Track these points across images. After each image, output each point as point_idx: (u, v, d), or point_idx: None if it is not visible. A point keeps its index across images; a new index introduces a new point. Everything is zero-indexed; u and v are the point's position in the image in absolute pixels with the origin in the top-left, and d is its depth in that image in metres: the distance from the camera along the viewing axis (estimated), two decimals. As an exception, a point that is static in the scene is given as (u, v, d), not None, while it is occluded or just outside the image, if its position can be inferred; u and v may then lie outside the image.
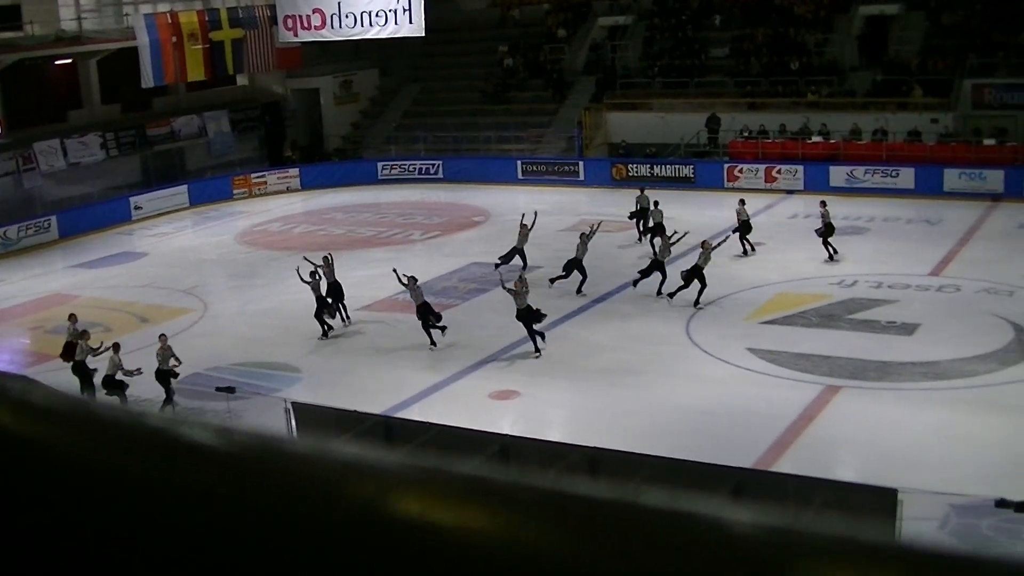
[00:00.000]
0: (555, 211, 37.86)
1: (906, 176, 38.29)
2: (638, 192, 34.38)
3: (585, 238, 28.26)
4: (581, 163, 44.22)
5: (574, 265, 27.62)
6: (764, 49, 46.35)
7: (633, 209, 33.71)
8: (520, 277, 24.65)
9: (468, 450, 15.49)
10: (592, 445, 16.18)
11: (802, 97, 43.81)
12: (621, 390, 20.91)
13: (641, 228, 33.25)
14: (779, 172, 39.88)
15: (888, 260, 29.57)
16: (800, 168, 39.80)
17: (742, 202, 32.25)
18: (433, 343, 23.87)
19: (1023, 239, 31.62)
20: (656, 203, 32.69)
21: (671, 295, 25.73)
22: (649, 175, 41.87)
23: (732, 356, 22.50)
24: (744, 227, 31.30)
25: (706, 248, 25.85)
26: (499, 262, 28.89)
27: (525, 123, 47.38)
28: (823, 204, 30.77)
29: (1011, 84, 40.10)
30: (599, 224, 30.05)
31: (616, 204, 37.20)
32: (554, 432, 19.25)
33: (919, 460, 17.25)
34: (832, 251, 29.79)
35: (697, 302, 25.43)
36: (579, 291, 27.37)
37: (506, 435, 18.07)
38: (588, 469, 15.28)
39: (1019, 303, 25.11)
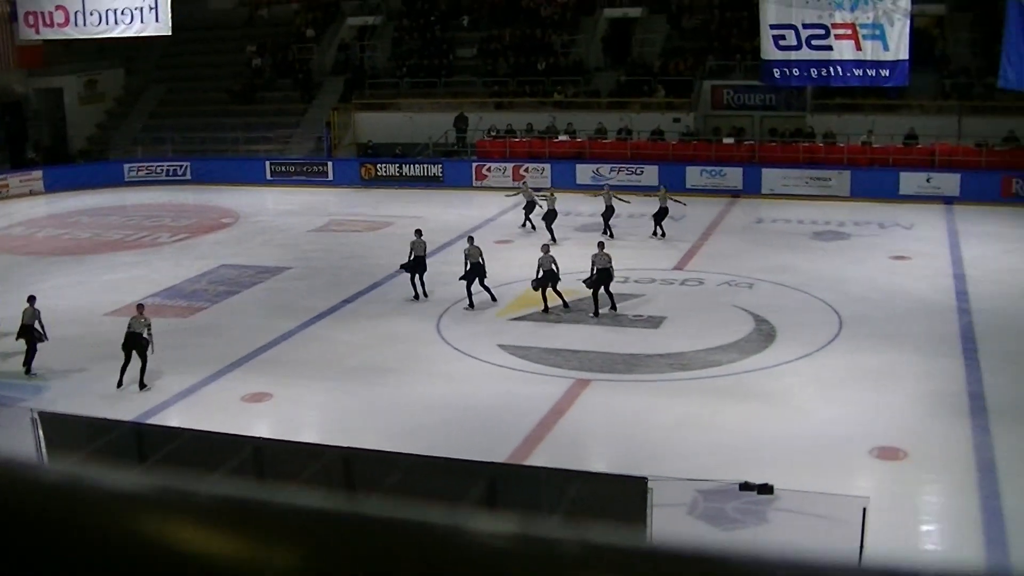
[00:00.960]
0: (304, 212, 37.52)
1: (650, 173, 39.30)
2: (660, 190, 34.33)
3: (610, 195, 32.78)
4: (330, 163, 43.92)
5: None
6: (511, 50, 46.91)
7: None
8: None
9: (221, 455, 15.09)
10: (346, 445, 15.99)
11: (549, 97, 44.53)
12: (374, 389, 20.75)
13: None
14: (527, 170, 40.37)
15: (634, 256, 30.23)
16: (547, 166, 40.43)
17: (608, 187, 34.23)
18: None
19: (760, 233, 32.85)
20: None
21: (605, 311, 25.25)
22: (398, 175, 41.90)
23: (483, 353, 22.61)
24: (608, 212, 32.72)
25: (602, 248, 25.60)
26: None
27: (273, 123, 46.82)
28: (551, 192, 32.75)
29: (747, 86, 41.69)
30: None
31: (365, 204, 37.04)
32: (308, 433, 18.93)
33: (668, 448, 17.65)
34: (553, 237, 31.37)
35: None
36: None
37: (259, 438, 17.70)
38: (342, 469, 15.08)
39: (758, 295, 26.06)
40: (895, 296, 25.93)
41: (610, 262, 24.70)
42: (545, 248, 25.57)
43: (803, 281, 27.24)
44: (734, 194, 38.31)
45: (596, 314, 24.30)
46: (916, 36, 39.81)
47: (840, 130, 40.21)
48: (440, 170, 42.02)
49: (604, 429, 18.94)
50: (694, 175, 39.08)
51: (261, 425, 19.41)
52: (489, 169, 41.10)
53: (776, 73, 32.96)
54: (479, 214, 35.68)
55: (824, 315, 24.44)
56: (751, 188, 37.90)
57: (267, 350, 23.19)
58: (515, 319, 24.99)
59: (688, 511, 15.24)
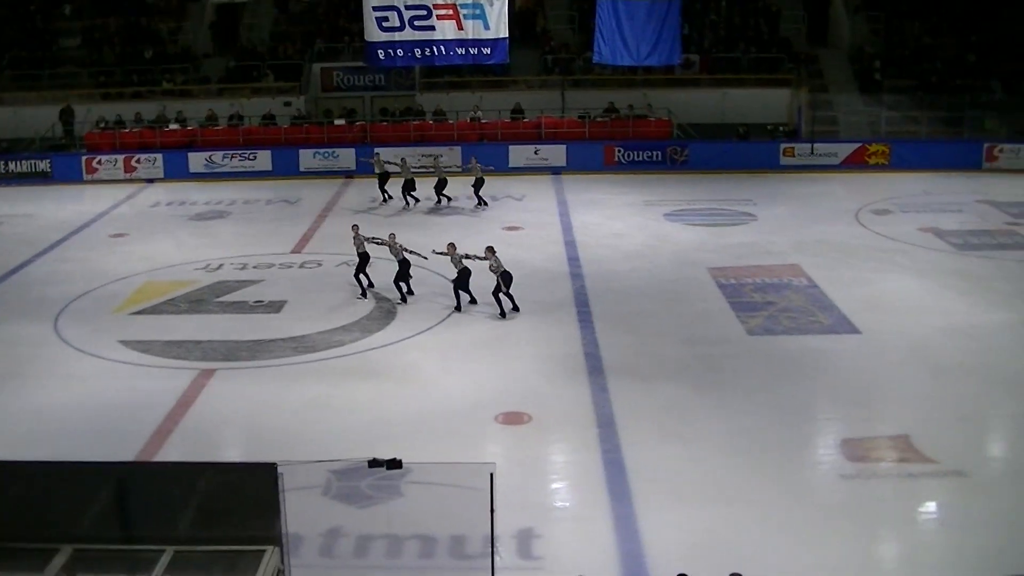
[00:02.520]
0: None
1: (263, 158, 38.91)
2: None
3: None
4: (-78, 163, 41.14)
5: None
6: (117, 38, 45.37)
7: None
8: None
9: None
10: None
11: (157, 86, 43.34)
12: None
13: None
14: (138, 161, 39.16)
15: (251, 241, 29.92)
16: (159, 156, 39.28)
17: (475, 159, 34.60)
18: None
19: (376, 213, 33.03)
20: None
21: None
22: (4, 172, 39.72)
23: (105, 350, 21.80)
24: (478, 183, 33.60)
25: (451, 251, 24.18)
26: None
27: None
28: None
29: (356, 68, 41.85)
30: None
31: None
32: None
33: (298, 432, 17.56)
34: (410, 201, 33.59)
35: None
36: None
37: None
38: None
39: (377, 272, 26.20)
40: (510, 265, 26.62)
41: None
42: (491, 250, 23.58)
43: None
44: (348, 175, 38.43)
45: (503, 315, 23.21)
46: (517, 14, 41.08)
47: (449, 107, 40.98)
48: (48, 165, 40.06)
49: (233, 418, 18.64)
50: (307, 158, 38.95)
51: None
52: (100, 162, 39.53)
53: (381, 54, 33.07)
54: (91, 208, 34.37)
55: (443, 288, 24.86)
56: (365, 168, 38.13)
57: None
58: (135, 313, 24.22)
59: (323, 493, 15.24)
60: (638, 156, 38.65)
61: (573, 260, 27.44)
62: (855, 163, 38.37)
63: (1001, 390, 19.45)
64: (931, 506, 15.67)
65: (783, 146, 38.87)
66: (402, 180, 33.92)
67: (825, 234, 29.90)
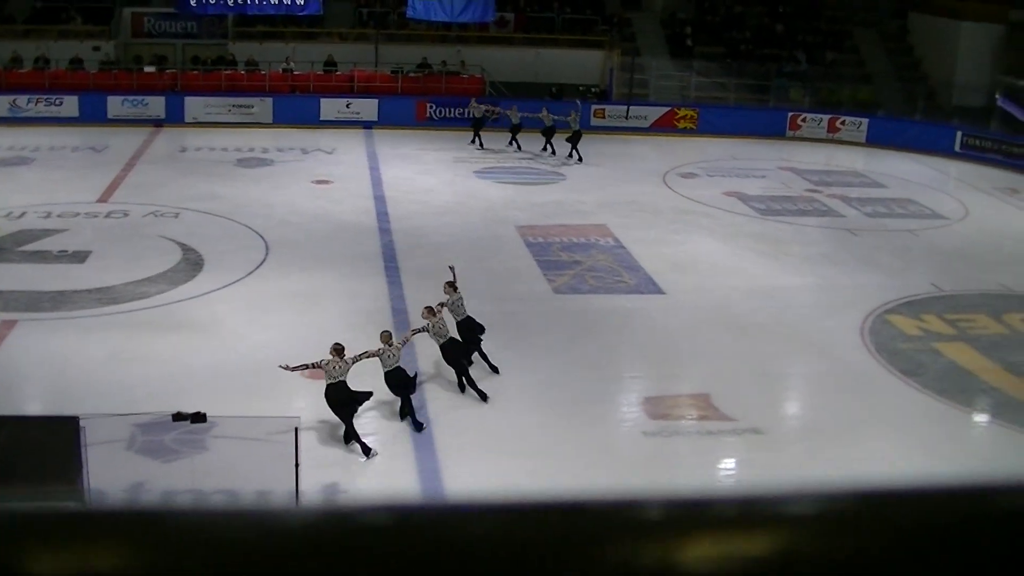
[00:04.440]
0: None
1: (70, 104, 37.85)
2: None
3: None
4: None
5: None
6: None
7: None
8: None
9: None
10: None
11: (-45, 25, 41.73)
12: None
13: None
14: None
15: (56, 189, 29.13)
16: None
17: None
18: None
19: (185, 162, 32.55)
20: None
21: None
22: None
23: None
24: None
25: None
26: None
27: None
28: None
29: (166, 14, 40.92)
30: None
31: None
32: None
33: (102, 385, 17.26)
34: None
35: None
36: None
37: None
38: None
39: (184, 224, 25.89)
40: (319, 219, 26.62)
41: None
42: (430, 310, 17.68)
43: (229, 209, 27.35)
44: (157, 123, 37.66)
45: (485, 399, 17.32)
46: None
47: (262, 58, 40.42)
48: None
49: (35, 370, 18.22)
50: (115, 105, 38.01)
51: None
52: None
53: (192, 1, 32.58)
54: None
55: (251, 241, 24.68)
56: (174, 117, 37.41)
57: None
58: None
59: (126, 447, 15.05)
60: (450, 112, 38.78)
61: (382, 215, 27.47)
62: (664, 126, 39.21)
63: (797, 350, 20.26)
64: (728, 462, 16.28)
65: (594, 107, 39.44)
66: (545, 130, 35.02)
67: (633, 195, 30.54)
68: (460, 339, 17.79)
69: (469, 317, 18.30)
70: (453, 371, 17.50)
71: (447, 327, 17.61)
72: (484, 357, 18.14)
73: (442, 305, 18.09)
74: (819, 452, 16.26)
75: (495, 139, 36.11)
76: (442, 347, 17.41)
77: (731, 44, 43.32)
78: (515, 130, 35.25)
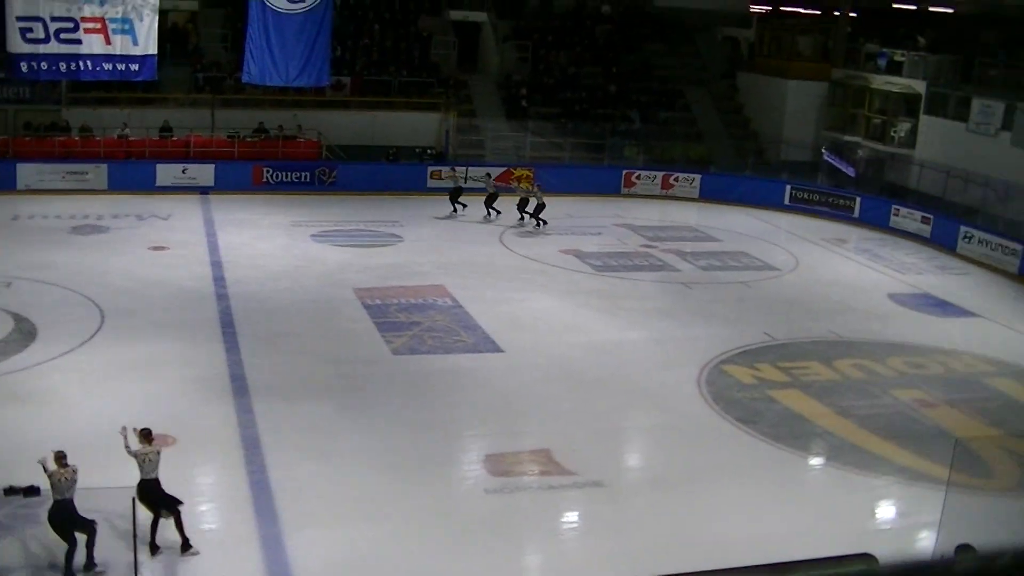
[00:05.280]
0: None
1: None
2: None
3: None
4: None
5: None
6: None
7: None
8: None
9: None
10: None
11: None
12: None
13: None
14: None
15: None
16: None
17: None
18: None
19: (17, 231, 31.78)
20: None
21: None
22: None
23: None
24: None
25: None
26: None
27: None
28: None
29: (-6, 79, 40.02)
30: None
31: None
32: None
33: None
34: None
35: None
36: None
37: None
38: None
39: (17, 293, 25.25)
40: (156, 286, 26.24)
41: None
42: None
43: (63, 277, 26.79)
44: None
45: None
46: (169, 31, 40.41)
47: (96, 123, 39.74)
48: None
49: None
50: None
51: None
52: None
53: (24, 67, 31.92)
54: None
55: (86, 310, 24.21)
56: (6, 184, 36.52)
57: None
58: None
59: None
60: (287, 177, 38.65)
61: (219, 280, 27.21)
62: (500, 186, 39.58)
63: (636, 403, 20.61)
64: (572, 516, 16.45)
65: (431, 169, 39.71)
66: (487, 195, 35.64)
67: (470, 255, 30.79)
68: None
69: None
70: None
71: (157, 465, 14.67)
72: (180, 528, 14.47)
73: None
74: (660, 503, 16.57)
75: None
76: (143, 483, 14.36)
77: (566, 104, 44.03)
78: (491, 199, 35.86)
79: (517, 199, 35.57)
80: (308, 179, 38.55)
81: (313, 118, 40.52)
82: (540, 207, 35.03)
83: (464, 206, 36.34)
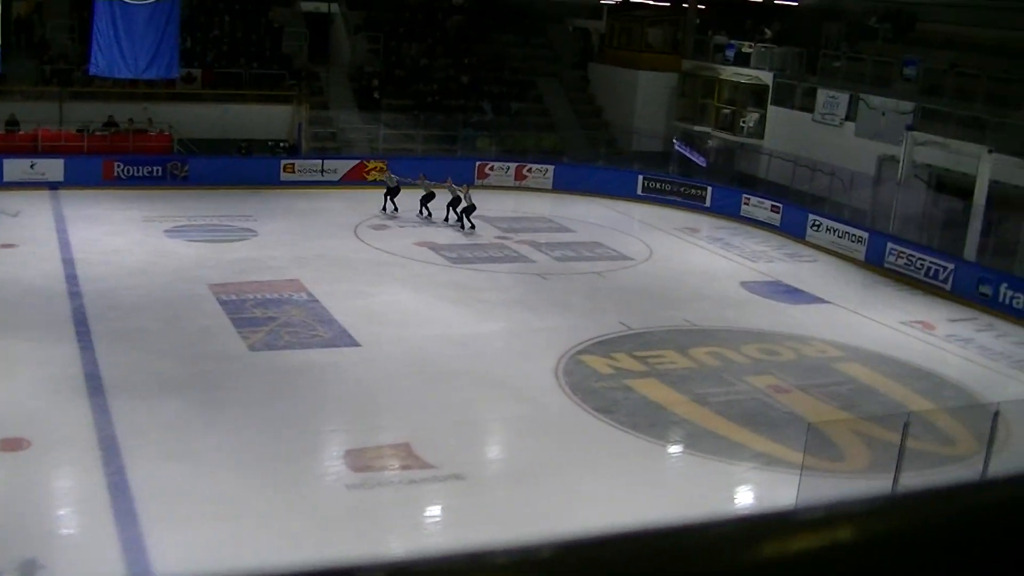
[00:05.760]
0: None
1: None
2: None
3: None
4: None
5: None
6: None
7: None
8: None
9: None
10: None
11: None
12: None
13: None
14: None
15: None
16: None
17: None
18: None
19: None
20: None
21: None
22: None
23: None
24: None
25: None
26: None
27: None
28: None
29: None
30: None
31: None
32: None
33: None
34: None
35: None
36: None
37: None
38: None
39: None
40: (6, 285, 25.66)
41: None
42: None
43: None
44: None
45: None
46: (14, 23, 39.45)
47: (-63, 117, 38.68)
48: None
49: None
50: None
51: None
52: None
53: None
54: None
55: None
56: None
57: None
58: None
59: None
60: (138, 171, 38.02)
61: (71, 278, 26.71)
62: (354, 179, 39.51)
63: (495, 395, 20.82)
64: (434, 510, 16.59)
65: (284, 162, 39.44)
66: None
67: (324, 249, 30.69)
68: None
69: None
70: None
71: None
72: None
73: None
74: (521, 494, 16.78)
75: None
76: None
77: (418, 96, 44.05)
78: (427, 198, 35.57)
79: (450, 197, 35.12)
80: (160, 173, 37.97)
81: (164, 111, 39.91)
82: (469, 208, 34.56)
83: (396, 208, 36.19)
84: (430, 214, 35.54)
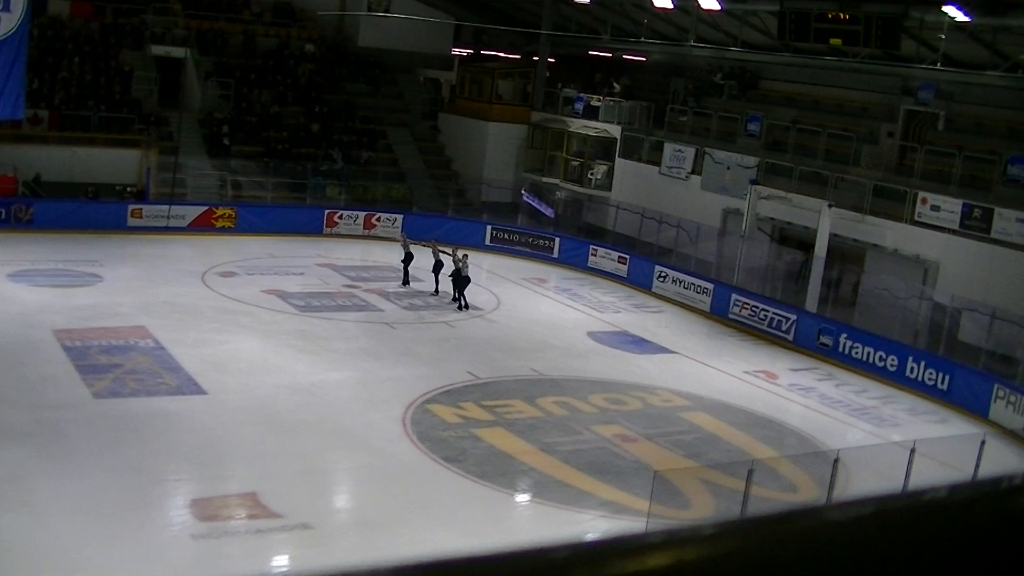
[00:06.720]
0: None
1: None
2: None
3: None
4: None
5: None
6: None
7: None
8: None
9: None
10: None
11: None
12: None
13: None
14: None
15: None
16: None
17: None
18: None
19: None
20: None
21: None
22: None
23: None
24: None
25: None
26: None
27: None
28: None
29: None
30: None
31: None
32: None
33: None
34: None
35: None
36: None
37: None
38: None
39: None
40: None
41: None
42: None
43: None
44: None
45: None
46: None
47: None
48: None
49: None
50: None
51: None
52: None
53: None
54: None
55: None
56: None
57: None
58: None
59: None
60: (-20, 214, 37.19)
61: None
62: (202, 225, 39.17)
63: (342, 444, 20.84)
64: (281, 559, 16.51)
65: (131, 207, 38.92)
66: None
67: (171, 296, 30.34)
68: None
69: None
70: None
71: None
72: None
73: None
74: (368, 544, 16.80)
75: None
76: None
77: (268, 143, 43.91)
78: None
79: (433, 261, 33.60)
80: (4, 216, 37.12)
81: (9, 152, 39.06)
82: (461, 279, 32.57)
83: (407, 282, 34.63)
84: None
